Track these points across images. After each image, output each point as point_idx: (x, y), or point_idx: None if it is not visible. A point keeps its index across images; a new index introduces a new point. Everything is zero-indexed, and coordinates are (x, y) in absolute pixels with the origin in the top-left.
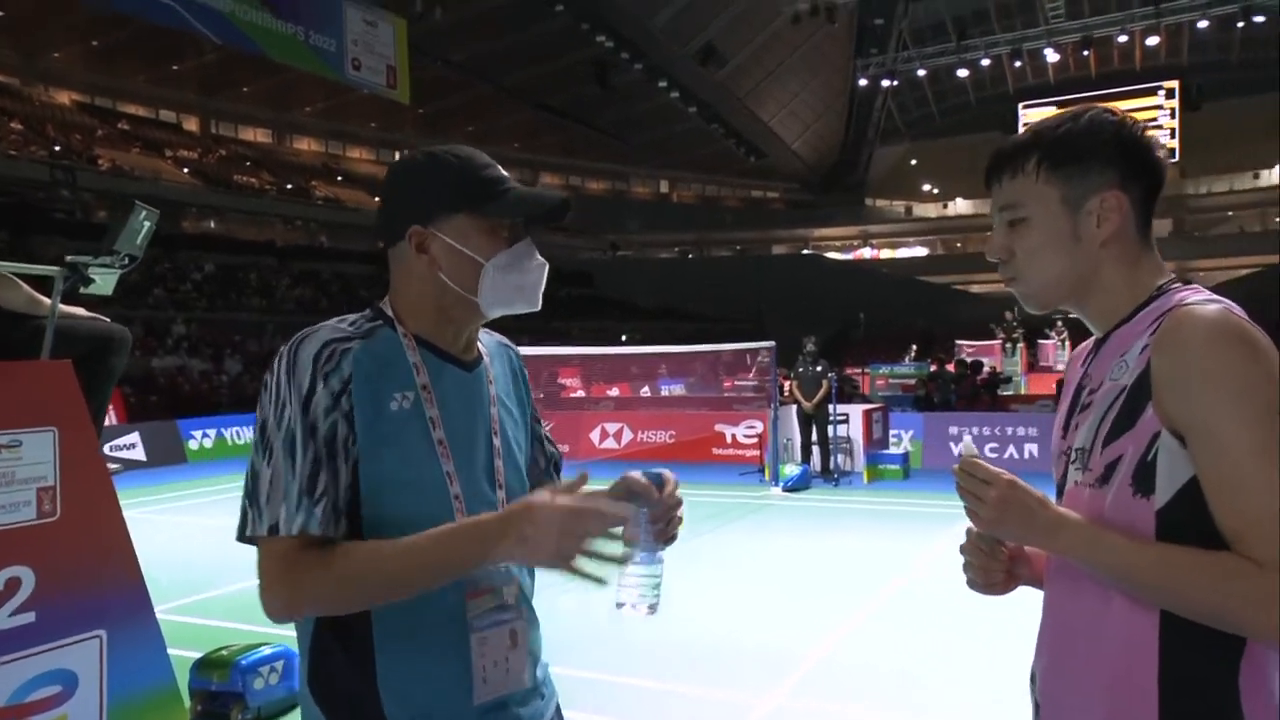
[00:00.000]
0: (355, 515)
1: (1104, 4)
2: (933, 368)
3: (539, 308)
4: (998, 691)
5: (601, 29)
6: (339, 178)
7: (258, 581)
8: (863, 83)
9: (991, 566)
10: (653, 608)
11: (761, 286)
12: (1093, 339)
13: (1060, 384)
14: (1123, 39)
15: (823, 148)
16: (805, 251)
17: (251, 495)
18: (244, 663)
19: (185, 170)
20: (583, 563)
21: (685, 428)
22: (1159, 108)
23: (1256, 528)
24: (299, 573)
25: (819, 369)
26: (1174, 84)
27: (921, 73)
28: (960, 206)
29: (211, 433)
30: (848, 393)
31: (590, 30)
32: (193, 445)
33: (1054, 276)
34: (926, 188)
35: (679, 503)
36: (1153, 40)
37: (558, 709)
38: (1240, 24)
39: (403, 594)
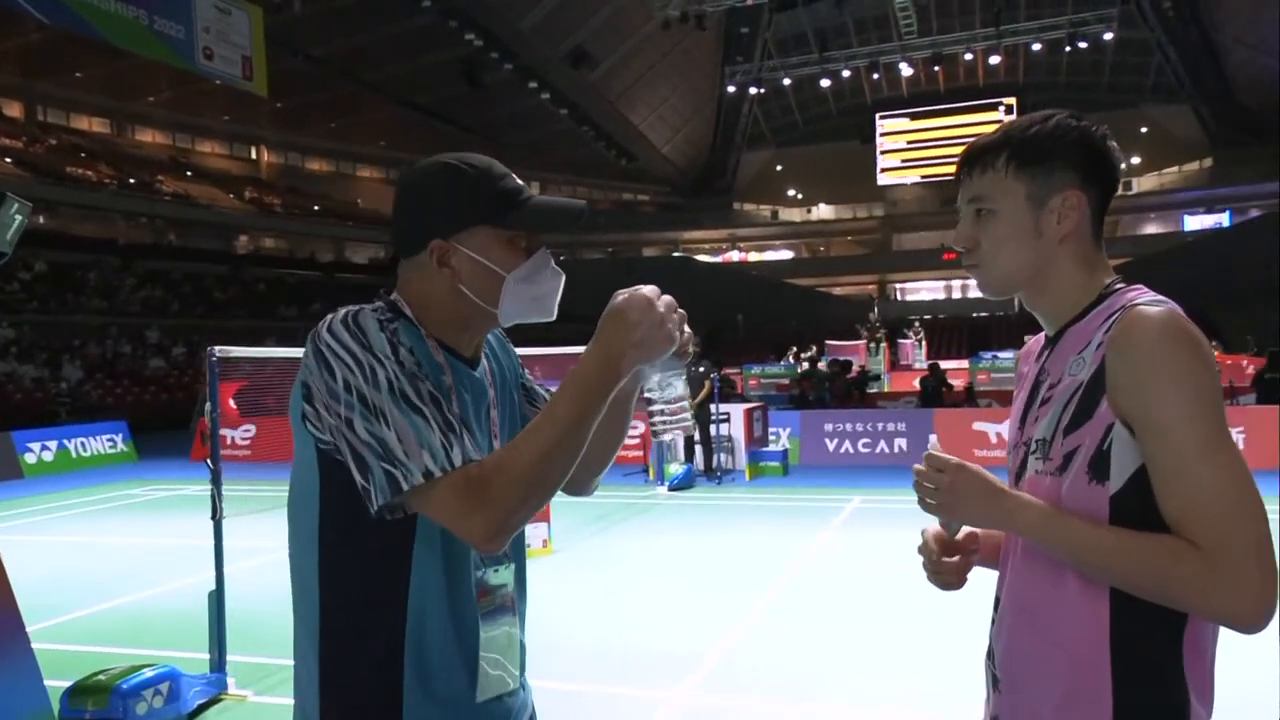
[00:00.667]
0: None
1: (951, 23)
2: (804, 367)
3: (554, 317)
4: (897, 677)
5: (470, 27)
6: (188, 172)
7: (451, 525)
8: (730, 89)
9: (942, 567)
10: (687, 429)
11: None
12: (1043, 335)
13: (929, 376)
14: (968, 57)
15: (692, 152)
16: (675, 254)
17: (389, 459)
18: (125, 687)
19: (8, 160)
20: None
21: None
22: (999, 122)
23: (1195, 513)
24: (485, 490)
25: (701, 369)
26: (1012, 100)
27: (786, 82)
28: (823, 211)
29: (52, 444)
30: (725, 393)
31: (459, 28)
32: (29, 459)
33: (1014, 267)
34: (791, 193)
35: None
36: (994, 59)
37: (534, 709)
38: (1067, 48)
39: (578, 448)
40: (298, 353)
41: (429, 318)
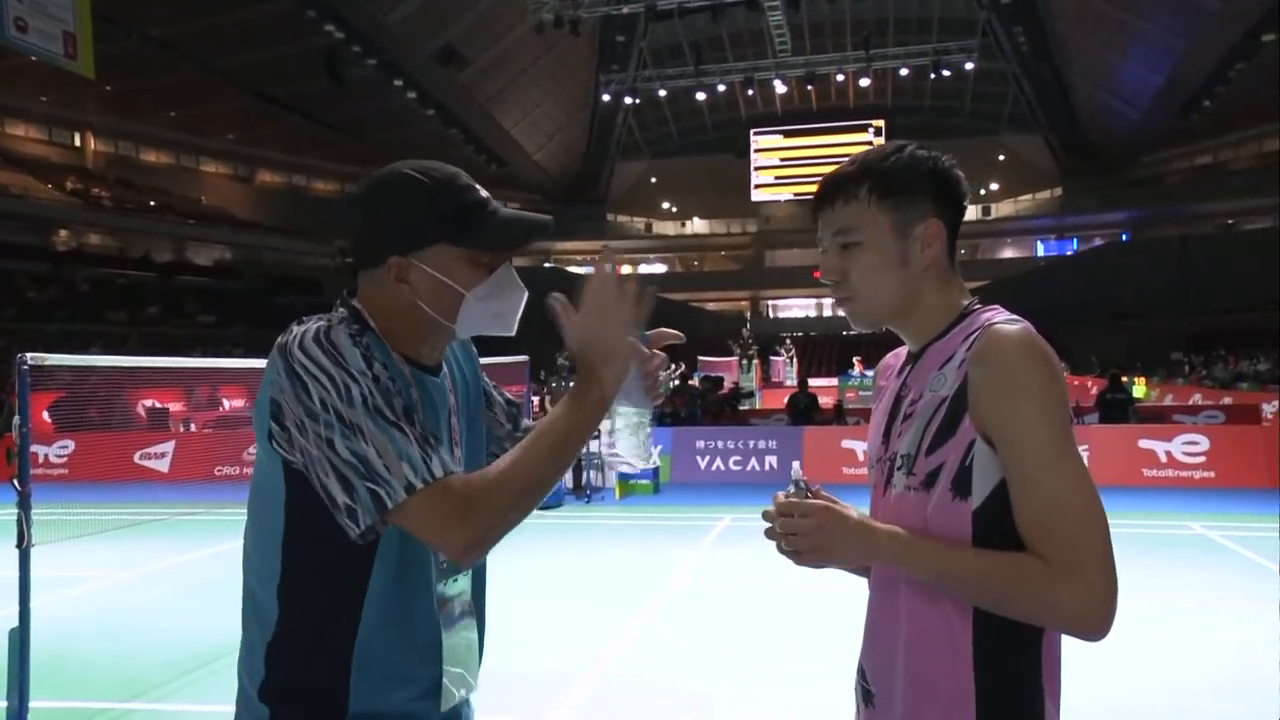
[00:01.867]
0: None
1: (824, 44)
2: (675, 383)
3: (514, 333)
4: (770, 692)
5: (329, 18)
6: None
7: (429, 538)
8: (605, 98)
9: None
10: (643, 460)
11: None
12: (904, 350)
13: (799, 394)
14: (840, 78)
15: (565, 159)
16: (547, 264)
17: (370, 476)
18: None
19: None
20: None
21: None
22: (869, 143)
23: (1042, 527)
24: (466, 503)
25: (571, 384)
26: (881, 122)
27: (662, 93)
28: (697, 226)
29: None
30: None
31: (317, 18)
32: None
33: (885, 296)
34: (666, 205)
35: (664, 361)
36: (865, 81)
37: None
38: (932, 75)
39: (563, 459)
40: (125, 360)
41: (390, 330)
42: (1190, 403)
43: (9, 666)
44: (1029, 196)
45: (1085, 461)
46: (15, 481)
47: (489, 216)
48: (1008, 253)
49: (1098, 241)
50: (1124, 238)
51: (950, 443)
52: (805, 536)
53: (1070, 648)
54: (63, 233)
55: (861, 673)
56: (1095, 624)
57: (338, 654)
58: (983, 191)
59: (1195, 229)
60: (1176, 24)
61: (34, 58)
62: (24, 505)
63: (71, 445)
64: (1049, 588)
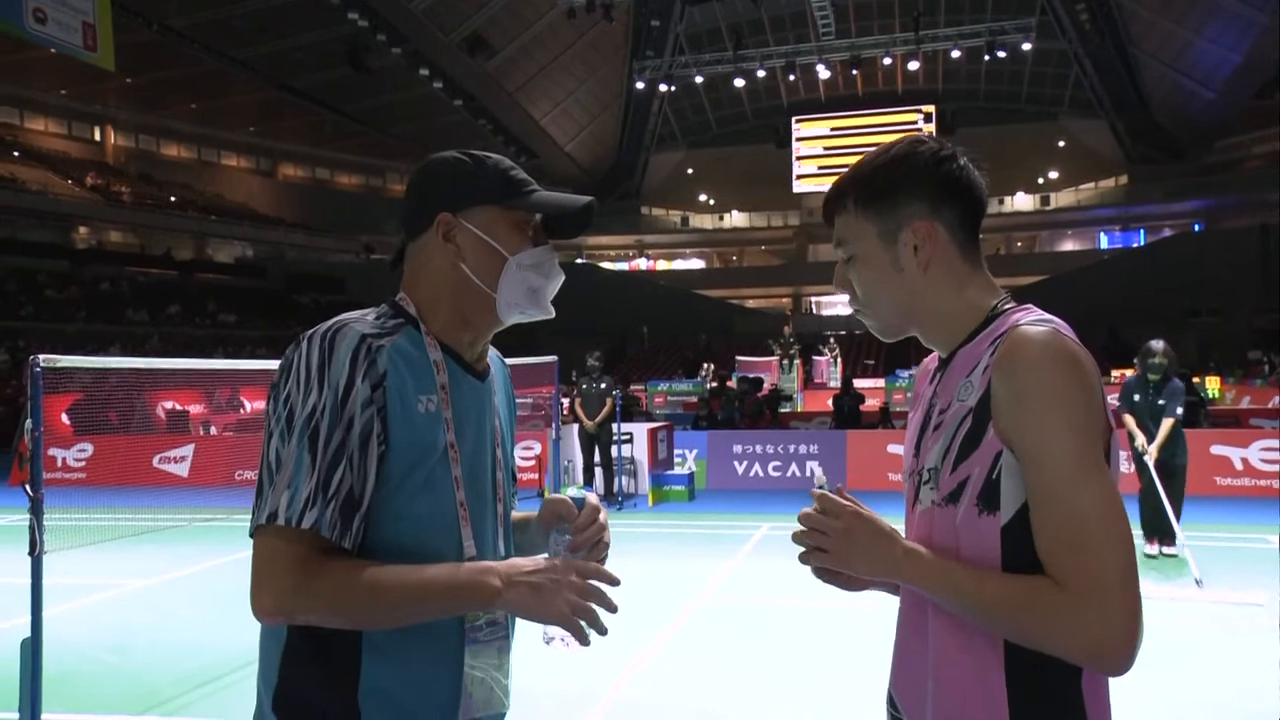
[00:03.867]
0: (366, 515)
1: (870, 26)
2: (713, 385)
3: (552, 315)
4: (806, 715)
5: (354, 5)
6: (15, 153)
7: (254, 575)
8: (639, 85)
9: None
10: (582, 639)
11: None
12: (933, 356)
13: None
14: (887, 61)
15: (598, 151)
16: (579, 260)
17: (270, 484)
18: None
19: None
20: (581, 621)
21: None
22: (918, 129)
23: (1059, 550)
24: (312, 578)
25: (603, 386)
26: (931, 108)
27: (699, 80)
28: (736, 219)
29: None
30: (628, 411)
31: (341, 6)
32: None
33: (889, 306)
34: (703, 198)
35: (602, 528)
36: (913, 65)
37: None
38: (986, 57)
39: (406, 622)
40: (142, 362)
41: (430, 308)
42: (1270, 405)
43: (21, 678)
44: (1091, 185)
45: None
46: (27, 487)
47: (534, 191)
48: (1068, 245)
49: (1167, 233)
50: (1196, 228)
51: (975, 455)
52: (830, 537)
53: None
54: (82, 230)
55: (891, 701)
56: (1113, 657)
57: (347, 665)
58: (1041, 180)
59: (1275, 218)
60: None
61: (53, 50)
62: (37, 511)
63: (90, 449)
64: (1064, 616)
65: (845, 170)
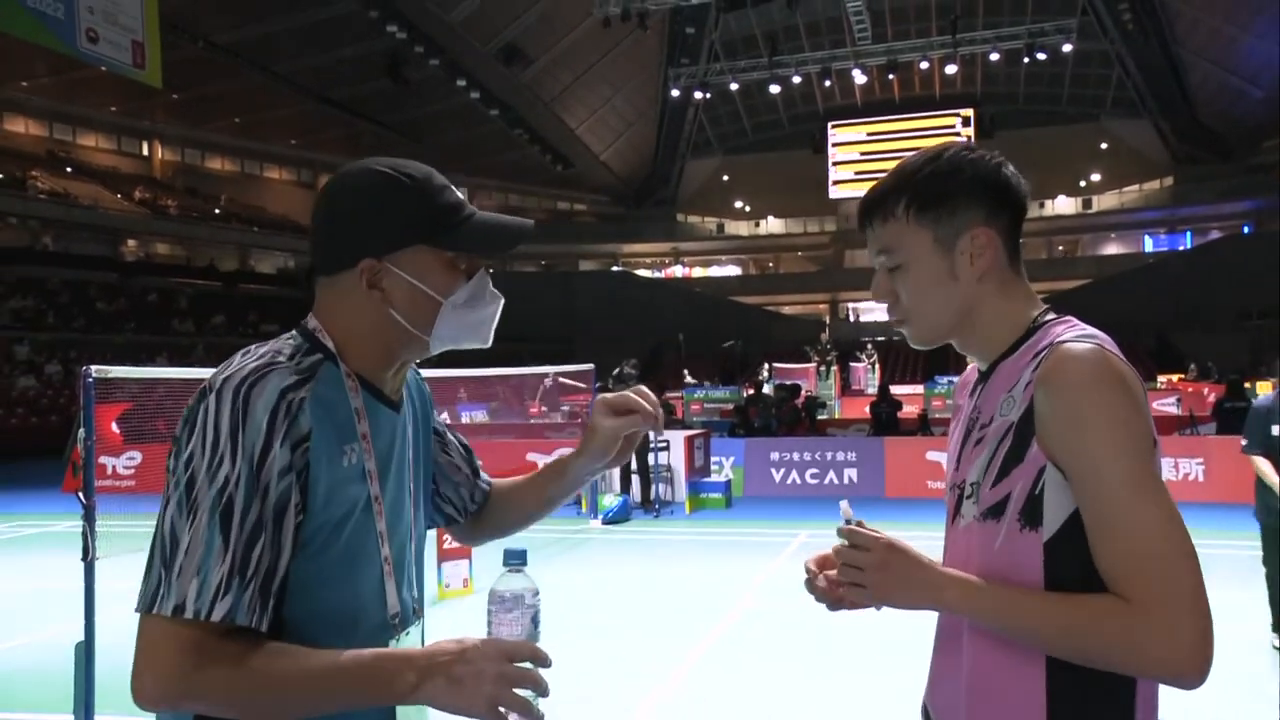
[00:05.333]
0: (280, 589)
1: (906, 30)
2: (749, 392)
3: (489, 344)
4: None
5: (393, 19)
6: (68, 168)
7: (136, 658)
8: (675, 93)
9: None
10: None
11: (570, 304)
12: (973, 368)
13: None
14: (924, 65)
15: (634, 159)
16: (615, 268)
17: (167, 563)
18: None
19: None
20: (510, 713)
21: (493, 458)
22: (956, 134)
23: (1125, 569)
24: (205, 665)
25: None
26: (970, 112)
27: (734, 86)
28: (772, 225)
29: None
30: (665, 419)
31: (380, 19)
32: None
33: (939, 317)
34: (739, 204)
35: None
36: (951, 69)
37: None
38: (1025, 59)
39: (308, 714)
40: (189, 372)
41: (352, 350)
42: None
43: (75, 681)
44: (1135, 187)
45: (1200, 478)
46: (80, 494)
47: (468, 219)
48: (1111, 249)
49: (1215, 235)
50: (1245, 229)
51: (1018, 470)
52: (865, 572)
53: (1209, 690)
54: (131, 243)
55: (926, 714)
56: (1188, 668)
57: None
58: (1083, 183)
59: None
60: None
61: (103, 68)
62: (89, 518)
63: (139, 457)
64: (1133, 631)
65: (885, 175)
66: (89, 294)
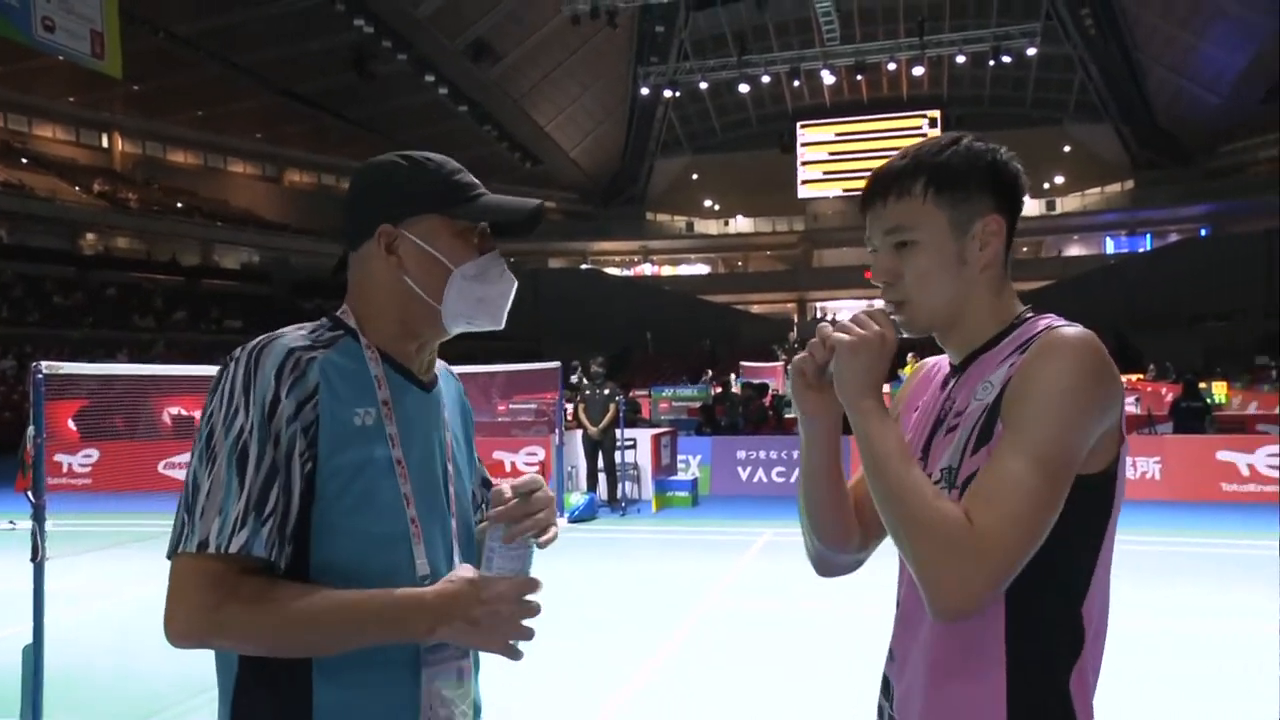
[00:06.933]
0: (303, 535)
1: (874, 31)
2: (717, 390)
3: (502, 325)
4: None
5: (359, 12)
6: (24, 160)
7: (168, 598)
8: (644, 91)
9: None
10: (517, 658)
11: (538, 302)
12: (935, 362)
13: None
14: (891, 66)
15: (602, 157)
16: (584, 266)
17: (190, 508)
18: None
19: None
20: (524, 646)
21: None
22: (924, 134)
23: (984, 500)
24: (228, 600)
25: (606, 391)
26: (936, 114)
27: (704, 85)
28: (741, 224)
29: None
30: (630, 417)
31: (346, 12)
32: None
33: (941, 300)
34: (708, 203)
35: (535, 522)
36: (918, 70)
37: None
38: (991, 62)
39: (327, 652)
40: (146, 369)
41: (373, 320)
42: (1276, 411)
43: (23, 685)
44: (1097, 190)
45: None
46: (29, 494)
47: (480, 195)
48: (1074, 250)
49: (1173, 238)
50: (1203, 233)
51: (986, 448)
52: (867, 330)
53: (1135, 677)
54: (90, 236)
55: (886, 685)
56: (951, 602)
57: (298, 693)
58: (1046, 185)
59: None
60: (1260, 1)
61: (61, 57)
62: (38, 518)
63: (95, 454)
64: (950, 541)
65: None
66: (45, 288)
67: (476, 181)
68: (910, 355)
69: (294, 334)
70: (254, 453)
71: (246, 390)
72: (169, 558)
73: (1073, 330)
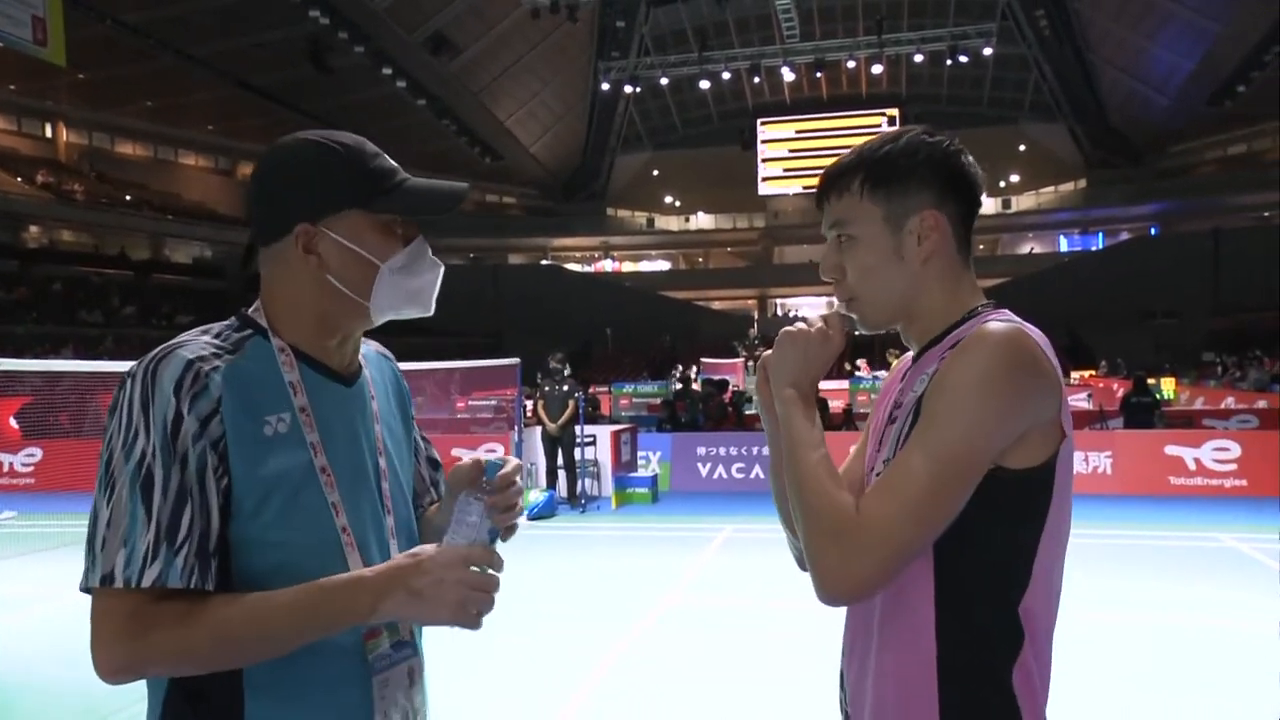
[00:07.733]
0: (225, 557)
1: (834, 29)
2: (678, 386)
3: (431, 312)
4: (778, 715)
5: (315, 3)
6: None
7: (90, 636)
8: (605, 86)
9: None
10: (475, 627)
11: (498, 298)
12: (909, 355)
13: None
14: (851, 64)
15: (563, 152)
16: (544, 262)
17: (92, 540)
18: None
19: None
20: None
21: None
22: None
23: (879, 491)
24: (149, 629)
25: (565, 388)
26: (895, 112)
27: (664, 81)
28: (702, 221)
29: None
30: (589, 413)
31: (302, 3)
32: None
33: (884, 295)
34: (669, 199)
35: (518, 491)
36: (877, 68)
37: None
38: (948, 61)
39: (273, 654)
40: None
41: (289, 322)
42: (1222, 406)
43: None
44: (1051, 189)
45: (1106, 470)
46: None
47: (401, 183)
48: (1029, 248)
49: (1124, 236)
50: (1153, 232)
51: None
52: (826, 332)
53: (1088, 672)
54: (33, 229)
55: (842, 680)
56: (832, 588)
57: (228, 708)
58: (1002, 184)
59: (1228, 223)
60: (1209, 5)
61: (1, 44)
62: None
63: (39, 453)
64: (838, 530)
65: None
66: None
67: (395, 165)
68: (890, 350)
69: (196, 342)
70: (159, 477)
71: (145, 410)
72: (82, 590)
73: (997, 326)
